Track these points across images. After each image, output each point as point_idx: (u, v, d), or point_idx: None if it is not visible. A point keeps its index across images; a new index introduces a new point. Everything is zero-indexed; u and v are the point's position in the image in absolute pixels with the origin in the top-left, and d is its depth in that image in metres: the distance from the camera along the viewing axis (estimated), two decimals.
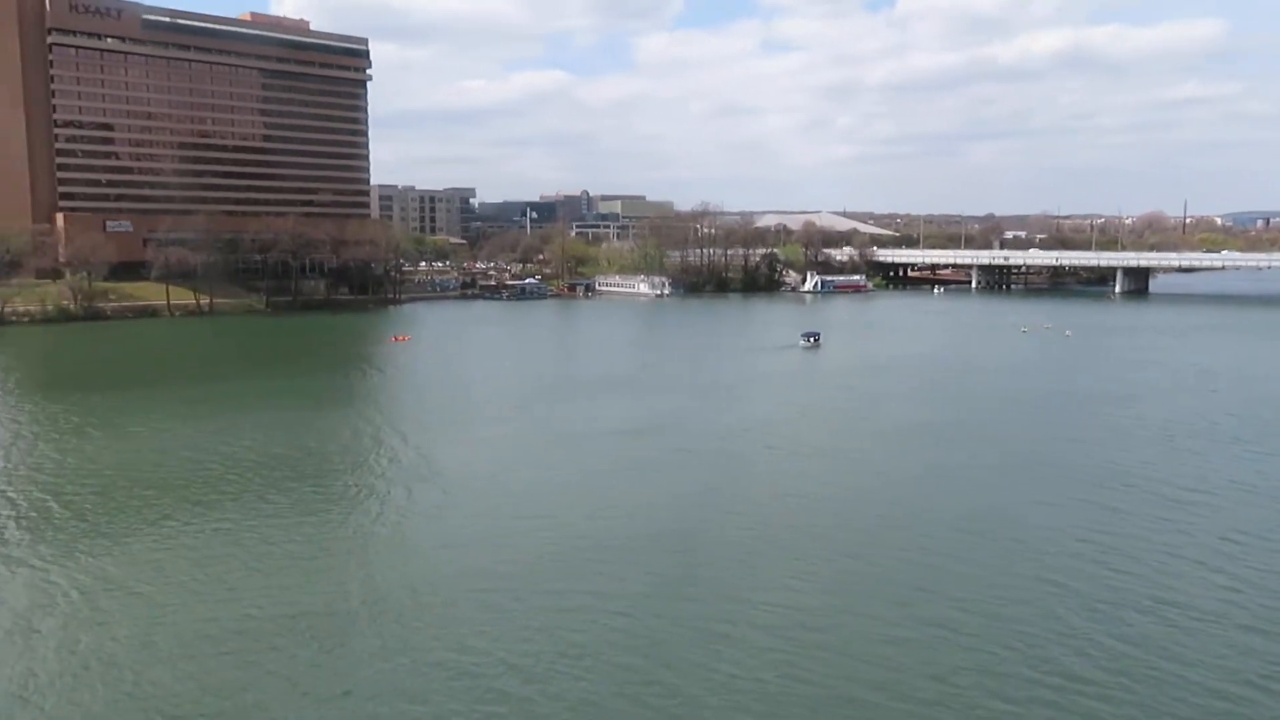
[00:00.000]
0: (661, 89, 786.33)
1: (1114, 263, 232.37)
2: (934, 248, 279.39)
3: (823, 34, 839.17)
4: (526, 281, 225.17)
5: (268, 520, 49.62)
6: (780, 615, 37.11)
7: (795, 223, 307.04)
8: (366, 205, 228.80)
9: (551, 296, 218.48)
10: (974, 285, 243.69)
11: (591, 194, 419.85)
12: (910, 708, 30.09)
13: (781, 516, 50.21)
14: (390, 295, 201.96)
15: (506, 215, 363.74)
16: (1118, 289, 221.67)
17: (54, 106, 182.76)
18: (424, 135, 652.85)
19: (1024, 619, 36.55)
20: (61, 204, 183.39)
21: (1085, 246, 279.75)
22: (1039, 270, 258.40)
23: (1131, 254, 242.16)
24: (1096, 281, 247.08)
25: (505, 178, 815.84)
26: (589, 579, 40.87)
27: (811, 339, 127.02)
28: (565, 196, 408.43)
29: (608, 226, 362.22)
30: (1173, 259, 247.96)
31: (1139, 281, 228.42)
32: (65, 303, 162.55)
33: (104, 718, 30.05)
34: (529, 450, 66.03)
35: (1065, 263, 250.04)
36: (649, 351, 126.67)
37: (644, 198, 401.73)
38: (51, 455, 63.92)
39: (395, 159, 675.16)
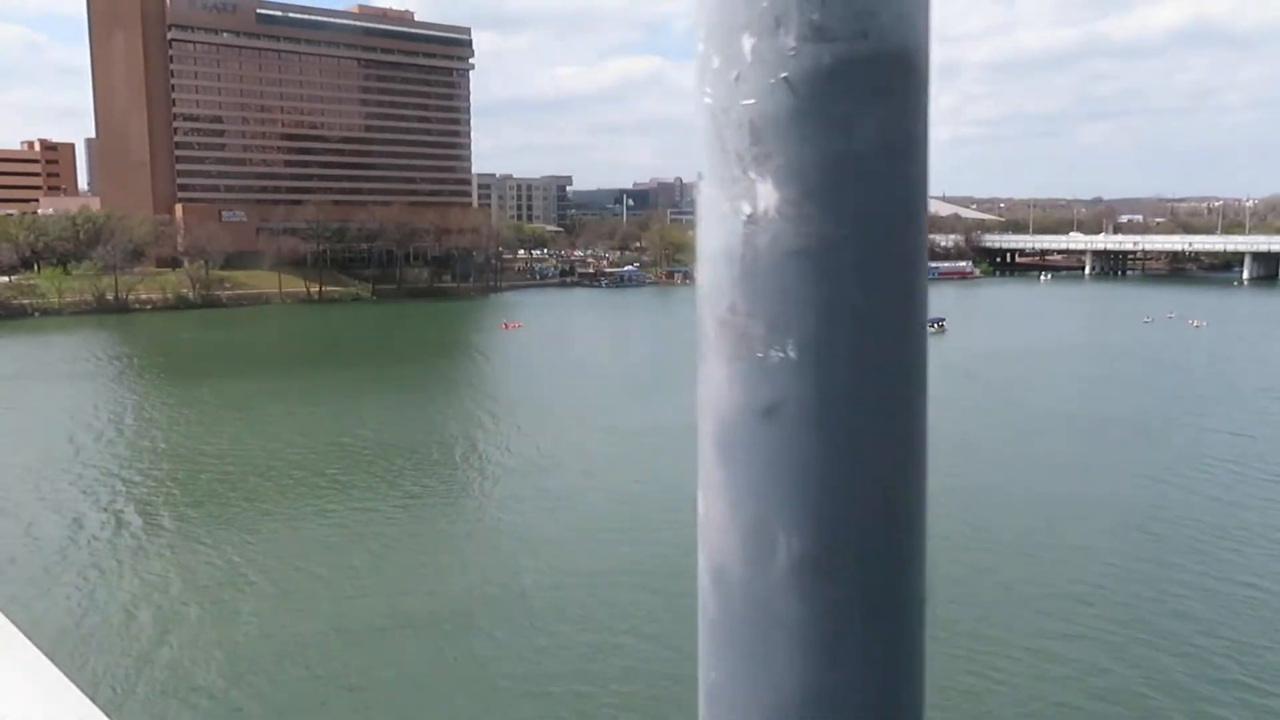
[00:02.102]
0: None
1: (1241, 247, 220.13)
2: (1043, 232, 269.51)
3: None
4: (625, 269, 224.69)
5: (400, 507, 49.58)
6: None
7: None
8: (469, 194, 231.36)
9: (650, 284, 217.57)
10: (1088, 271, 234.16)
11: (686, 180, 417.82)
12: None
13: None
14: (492, 283, 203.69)
15: (600, 202, 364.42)
16: (1245, 275, 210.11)
17: (173, 100, 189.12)
18: (519, 123, 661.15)
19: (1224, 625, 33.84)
20: (180, 195, 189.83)
21: (1205, 230, 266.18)
22: (1157, 256, 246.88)
23: (1262, 238, 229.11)
24: (1220, 268, 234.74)
25: (599, 165, 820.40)
26: None
27: (936, 324, 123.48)
28: (660, 183, 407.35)
29: None
30: None
31: (1269, 267, 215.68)
32: (184, 290, 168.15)
33: (245, 709, 29.88)
34: (656, 440, 64.84)
35: (1187, 248, 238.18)
36: None
37: None
38: (173, 442, 65.24)
39: (491, 147, 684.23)
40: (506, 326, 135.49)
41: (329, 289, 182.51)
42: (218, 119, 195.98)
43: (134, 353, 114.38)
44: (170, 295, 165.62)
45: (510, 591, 38.54)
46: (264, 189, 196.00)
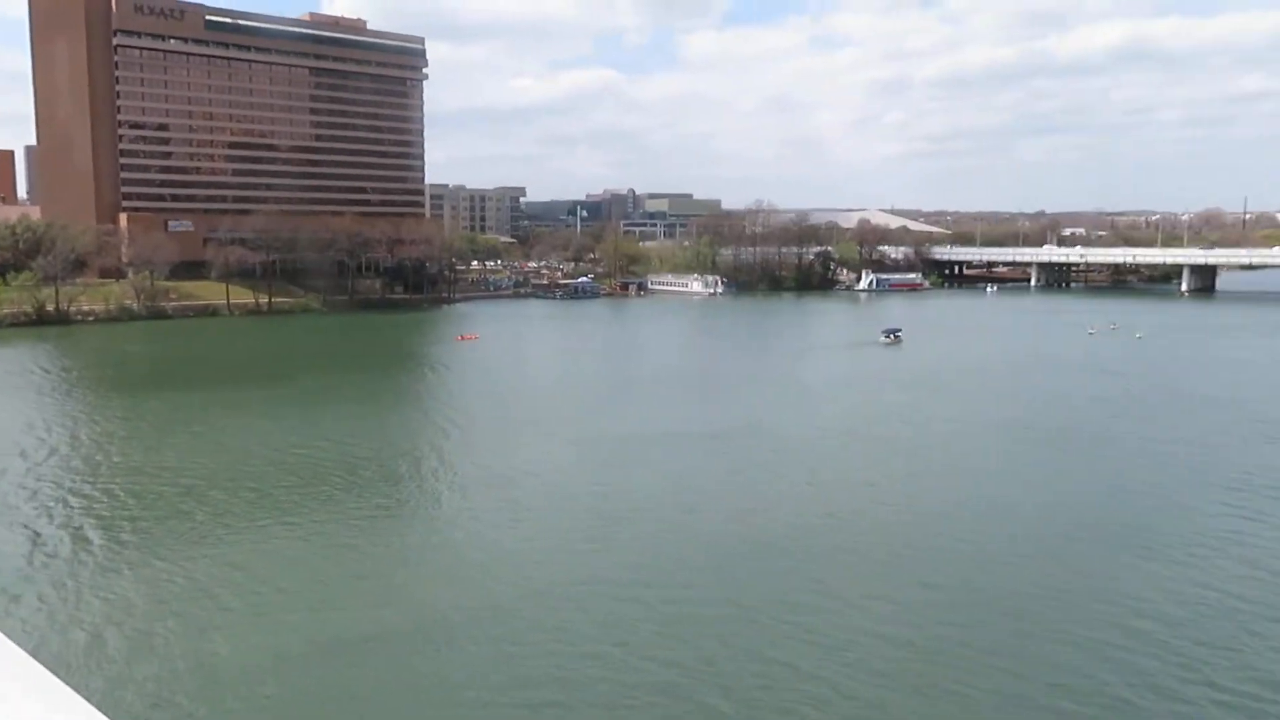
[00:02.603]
0: (710, 86, 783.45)
1: (1180, 260, 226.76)
2: (989, 245, 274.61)
3: (875, 29, 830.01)
4: (580, 280, 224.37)
5: (365, 520, 48.94)
6: (898, 628, 35.52)
7: (843, 220, 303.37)
8: (422, 204, 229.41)
9: (604, 295, 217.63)
10: (1033, 283, 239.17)
11: (638, 192, 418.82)
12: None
13: (903, 526, 48.56)
14: (445, 294, 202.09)
15: (553, 214, 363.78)
16: (1184, 287, 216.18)
17: (118, 108, 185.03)
18: (471, 134, 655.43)
19: (1180, 629, 34.64)
20: (125, 204, 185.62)
21: (1144, 244, 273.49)
22: (1100, 268, 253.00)
23: (1199, 251, 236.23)
24: (1159, 279, 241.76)
25: (550, 176, 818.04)
26: (689, 583, 39.58)
27: (892, 335, 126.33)
28: (612, 195, 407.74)
29: (655, 225, 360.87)
30: (1242, 256, 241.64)
31: (1205, 279, 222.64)
32: (129, 302, 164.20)
33: None
34: (617, 453, 64.81)
35: (1129, 260, 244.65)
36: (719, 350, 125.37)
37: (691, 196, 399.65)
38: (129, 456, 63.86)
39: (444, 158, 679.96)
40: (462, 338, 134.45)
41: (279, 300, 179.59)
42: (164, 126, 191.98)
43: (77, 366, 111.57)
44: (114, 306, 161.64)
45: (481, 604, 38.20)
46: (212, 198, 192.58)
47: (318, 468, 60.01)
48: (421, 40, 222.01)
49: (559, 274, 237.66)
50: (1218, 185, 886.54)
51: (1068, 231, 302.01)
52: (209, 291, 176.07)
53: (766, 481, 56.68)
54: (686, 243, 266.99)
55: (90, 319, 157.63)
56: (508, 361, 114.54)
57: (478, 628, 35.95)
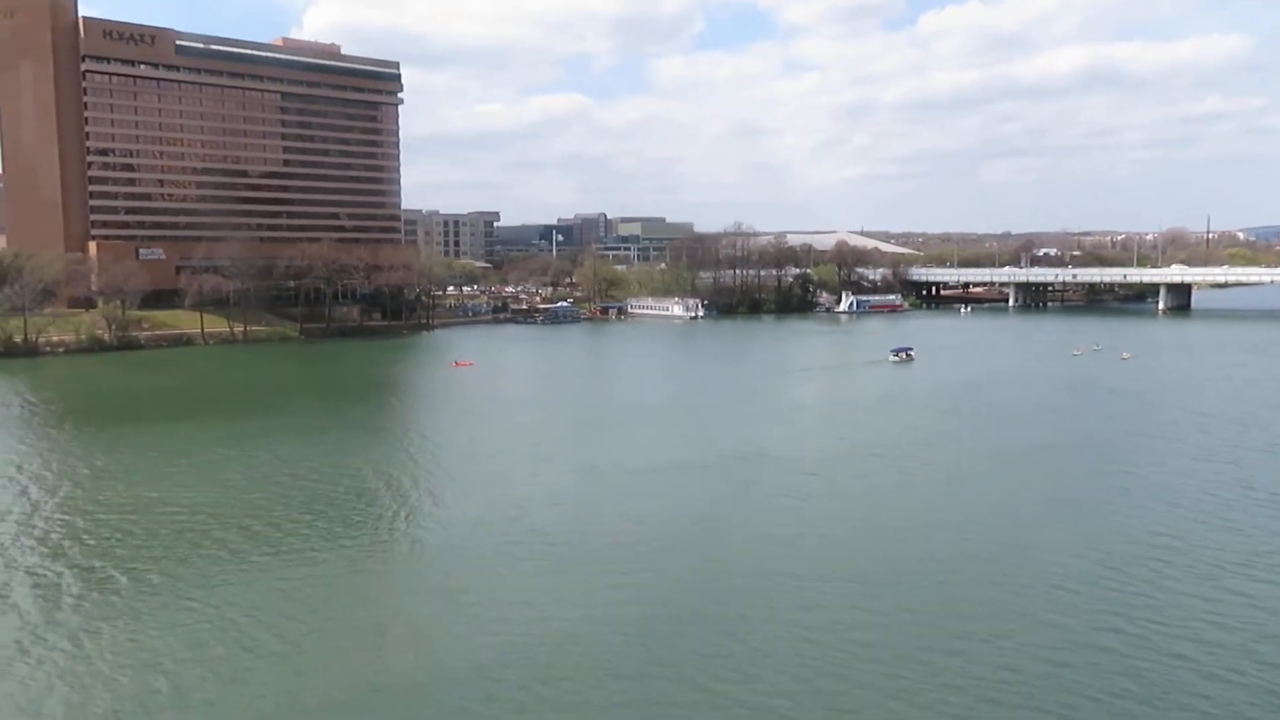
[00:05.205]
0: (678, 111, 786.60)
1: (1156, 279, 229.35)
2: (964, 266, 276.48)
3: (842, 54, 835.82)
4: (559, 305, 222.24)
5: (358, 562, 46.65)
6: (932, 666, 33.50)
7: (816, 243, 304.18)
8: (398, 230, 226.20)
9: (585, 320, 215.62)
10: (1011, 303, 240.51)
11: (609, 217, 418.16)
12: None
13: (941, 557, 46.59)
14: (424, 320, 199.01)
15: (525, 238, 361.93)
16: (1161, 305, 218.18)
17: (87, 134, 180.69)
18: (441, 160, 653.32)
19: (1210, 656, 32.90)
20: (94, 232, 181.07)
21: (1115, 263, 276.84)
22: (1075, 288, 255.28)
23: (1175, 270, 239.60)
24: (1134, 298, 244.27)
25: (520, 201, 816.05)
26: (698, 636, 37.32)
27: (903, 354, 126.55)
28: (583, 219, 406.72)
29: (628, 248, 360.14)
30: (1217, 274, 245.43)
31: (1182, 298, 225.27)
32: (99, 332, 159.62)
33: None
34: (637, 485, 62.35)
35: (1106, 280, 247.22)
36: (720, 374, 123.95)
37: (664, 220, 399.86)
38: (116, 493, 60.56)
39: (413, 184, 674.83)
40: (457, 365, 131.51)
41: (254, 328, 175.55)
42: (134, 153, 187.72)
43: (51, 399, 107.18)
44: (84, 337, 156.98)
45: (500, 645, 35.79)
46: (184, 225, 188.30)
47: (315, 502, 57.19)
48: (396, 65, 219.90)
49: (538, 299, 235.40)
50: (1179, 205, 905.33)
51: (1040, 252, 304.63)
52: (182, 321, 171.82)
53: (865, 514, 54.62)
54: (663, 266, 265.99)
55: (60, 350, 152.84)
56: (503, 389, 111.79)
57: (501, 671, 33.88)
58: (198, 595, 41.86)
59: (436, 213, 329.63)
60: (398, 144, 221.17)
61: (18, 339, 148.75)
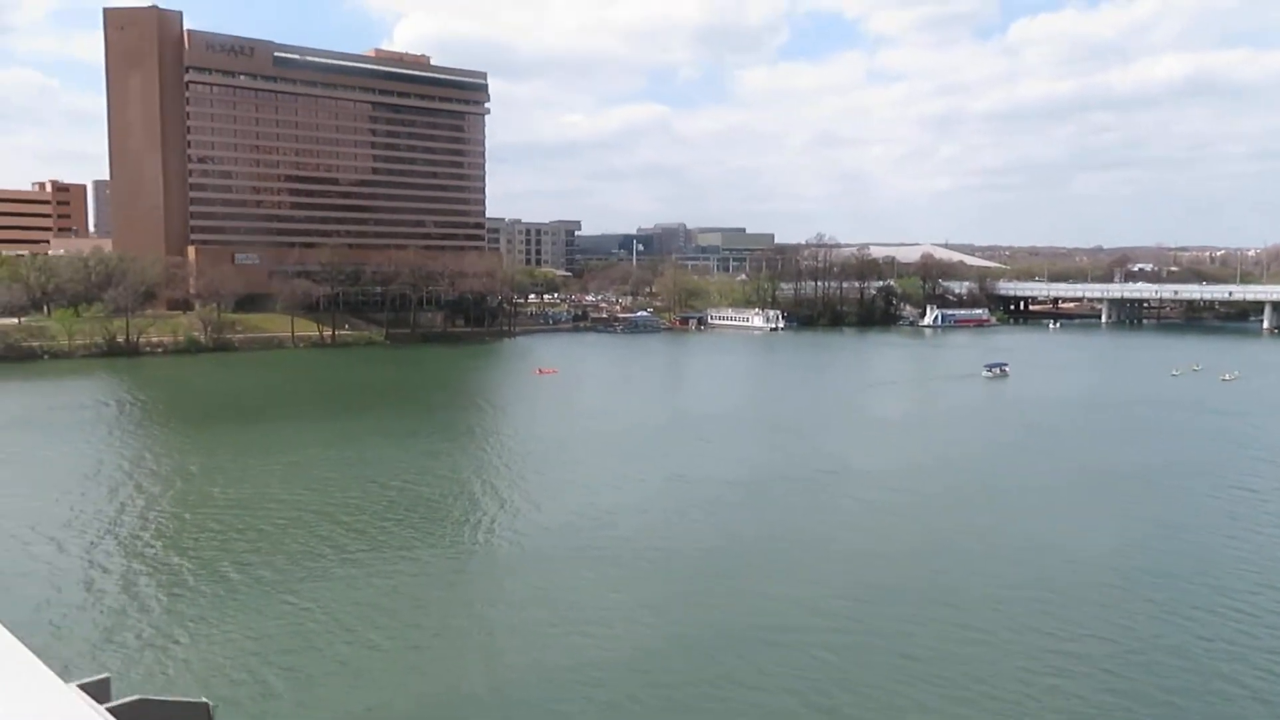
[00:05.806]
0: (761, 121, 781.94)
1: (1264, 297, 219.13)
2: (1053, 280, 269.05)
3: (929, 63, 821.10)
4: (639, 314, 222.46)
5: (450, 569, 46.75)
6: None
7: (900, 255, 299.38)
8: (482, 238, 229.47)
9: (664, 330, 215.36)
10: (1104, 319, 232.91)
11: (689, 227, 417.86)
12: None
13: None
14: (505, 327, 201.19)
15: (604, 247, 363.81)
16: (1266, 324, 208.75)
17: (189, 142, 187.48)
18: (524, 168, 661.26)
19: None
20: (193, 237, 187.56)
21: (1217, 279, 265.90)
22: (1172, 304, 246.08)
23: None
24: (1236, 316, 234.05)
25: (600, 210, 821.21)
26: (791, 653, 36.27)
27: (998, 369, 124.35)
28: (663, 229, 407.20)
29: (708, 258, 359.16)
30: None
31: None
32: (196, 334, 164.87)
33: None
34: (710, 494, 61.67)
35: (1208, 297, 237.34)
36: (811, 385, 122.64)
37: (744, 230, 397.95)
38: (207, 490, 62.10)
39: (496, 192, 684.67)
40: (541, 372, 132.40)
41: (342, 333, 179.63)
42: (232, 161, 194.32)
43: (153, 399, 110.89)
44: (181, 338, 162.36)
45: (595, 652, 35.34)
46: (277, 231, 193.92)
47: (410, 503, 58.00)
48: (484, 75, 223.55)
49: (617, 307, 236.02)
50: None
51: (1135, 267, 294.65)
52: (274, 324, 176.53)
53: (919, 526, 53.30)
54: (743, 276, 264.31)
55: (159, 350, 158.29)
56: (587, 396, 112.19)
57: (602, 675, 33.47)
58: (305, 589, 42.63)
59: (519, 221, 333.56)
60: (483, 153, 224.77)
61: (120, 339, 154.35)
